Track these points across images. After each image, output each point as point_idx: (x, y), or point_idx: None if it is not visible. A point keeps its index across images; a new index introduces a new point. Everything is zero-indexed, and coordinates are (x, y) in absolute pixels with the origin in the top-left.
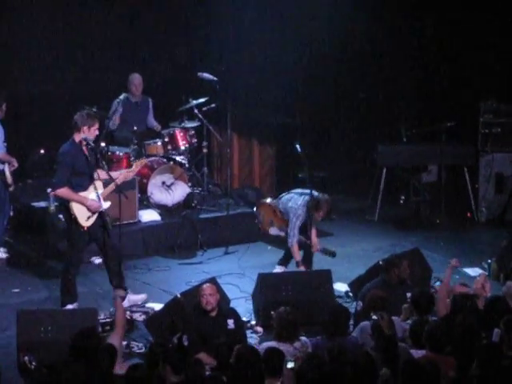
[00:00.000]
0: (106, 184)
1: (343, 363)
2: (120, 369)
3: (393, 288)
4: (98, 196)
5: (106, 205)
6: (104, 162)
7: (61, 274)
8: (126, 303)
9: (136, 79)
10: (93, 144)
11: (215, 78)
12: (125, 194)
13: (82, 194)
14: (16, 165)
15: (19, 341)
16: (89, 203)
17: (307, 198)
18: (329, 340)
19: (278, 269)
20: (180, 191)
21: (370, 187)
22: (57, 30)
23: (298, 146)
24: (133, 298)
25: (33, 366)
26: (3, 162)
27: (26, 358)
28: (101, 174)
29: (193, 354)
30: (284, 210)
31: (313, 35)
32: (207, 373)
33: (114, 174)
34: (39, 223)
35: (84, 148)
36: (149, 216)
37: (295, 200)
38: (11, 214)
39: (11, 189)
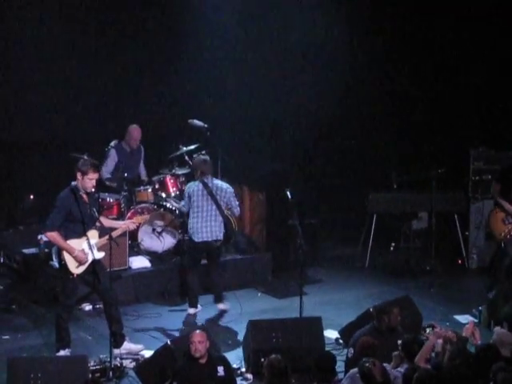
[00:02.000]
0: (101, 233)
1: None
2: None
3: (383, 335)
4: (89, 246)
5: (99, 255)
6: (95, 210)
7: (55, 319)
8: (122, 350)
9: (135, 132)
10: (85, 192)
11: (205, 125)
12: (115, 240)
13: (74, 241)
14: None
15: None
16: (75, 254)
17: None
18: None
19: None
20: (170, 238)
21: (360, 234)
22: (47, 79)
23: (288, 193)
24: (129, 347)
25: None
26: None
27: None
28: (104, 222)
29: None
30: None
31: (301, 84)
32: None
33: (117, 223)
34: (29, 269)
35: (83, 195)
36: (139, 263)
37: None
38: (1, 260)
39: None
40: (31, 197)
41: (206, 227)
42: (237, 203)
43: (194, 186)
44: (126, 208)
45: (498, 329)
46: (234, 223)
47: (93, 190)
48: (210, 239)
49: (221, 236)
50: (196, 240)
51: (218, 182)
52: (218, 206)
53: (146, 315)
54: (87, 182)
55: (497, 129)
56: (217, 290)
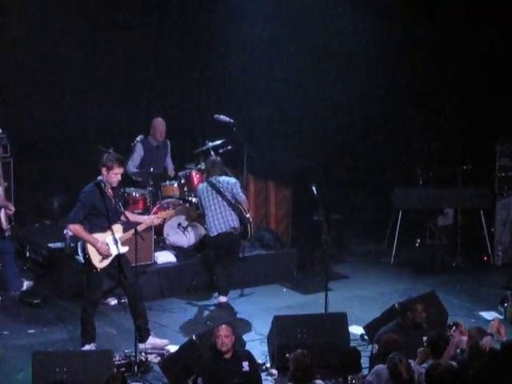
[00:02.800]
0: (126, 228)
1: None
2: None
3: (408, 331)
4: (114, 240)
5: (123, 249)
6: (121, 204)
7: (80, 313)
8: (147, 345)
9: (160, 125)
10: (110, 187)
11: (231, 120)
12: (141, 235)
13: (99, 235)
14: (12, 209)
15: (34, 383)
16: (98, 246)
17: None
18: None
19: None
20: (195, 233)
21: (385, 230)
22: (72, 75)
23: (314, 189)
24: (154, 342)
25: None
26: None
27: None
28: (130, 216)
29: None
30: None
31: (328, 80)
32: None
33: (142, 218)
34: (55, 264)
35: (108, 189)
36: (165, 257)
37: None
38: (27, 254)
39: (7, 234)
40: (61, 193)
41: (218, 219)
42: (239, 190)
43: (202, 188)
44: (151, 203)
45: None
46: (245, 210)
47: (118, 184)
48: (224, 229)
49: (236, 224)
50: (212, 235)
51: (224, 178)
52: (226, 200)
53: (171, 310)
54: (112, 176)
55: None
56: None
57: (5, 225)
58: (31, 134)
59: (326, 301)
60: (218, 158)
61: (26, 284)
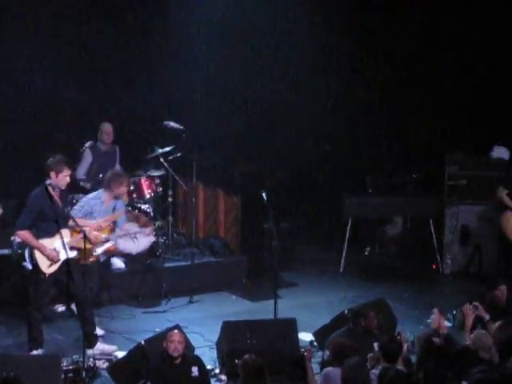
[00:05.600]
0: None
1: None
2: None
3: (359, 337)
4: (63, 244)
5: (72, 254)
6: (70, 209)
7: (27, 320)
8: (95, 351)
9: (108, 129)
10: (59, 192)
11: (181, 127)
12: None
13: (47, 240)
14: (1, 211)
15: None
16: (47, 252)
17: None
18: None
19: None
20: (145, 240)
21: (335, 238)
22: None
23: (264, 195)
24: (103, 348)
25: None
26: None
27: None
28: (78, 221)
29: None
30: None
31: (277, 84)
32: None
33: (90, 222)
34: (2, 270)
35: (54, 194)
36: (114, 264)
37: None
38: None
39: None
40: (9, 201)
41: None
42: None
43: None
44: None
45: (477, 331)
46: None
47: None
48: None
49: None
50: None
51: None
52: None
53: (120, 316)
54: (62, 178)
55: (472, 134)
56: None
57: None
58: None
59: (276, 308)
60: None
61: None
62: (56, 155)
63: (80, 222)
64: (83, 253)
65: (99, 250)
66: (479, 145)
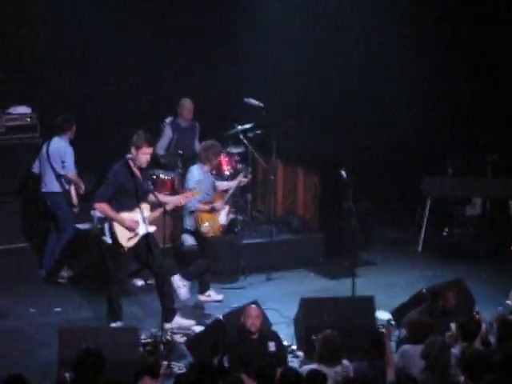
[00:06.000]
0: (153, 208)
1: None
2: None
3: (436, 317)
4: (143, 218)
5: (151, 228)
6: (150, 183)
7: (106, 293)
8: (173, 325)
9: (188, 104)
10: (139, 168)
11: (261, 104)
12: (170, 214)
13: (126, 214)
14: (83, 188)
15: (60, 357)
16: (127, 224)
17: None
18: (370, 365)
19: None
20: (223, 216)
21: (414, 218)
22: (97, 55)
23: (343, 173)
24: (181, 322)
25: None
26: (70, 183)
27: (67, 374)
28: (159, 196)
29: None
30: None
31: (358, 67)
32: None
33: (167, 198)
34: (82, 244)
35: (135, 169)
36: (192, 240)
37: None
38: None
39: (76, 210)
40: (90, 176)
41: None
42: None
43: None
44: (179, 185)
45: None
46: None
47: (146, 165)
48: None
49: None
50: None
51: None
52: None
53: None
54: (141, 156)
55: None
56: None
57: (75, 200)
58: (60, 114)
59: (353, 286)
60: None
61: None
62: (139, 131)
63: (161, 197)
64: (214, 225)
65: (223, 218)
66: None
